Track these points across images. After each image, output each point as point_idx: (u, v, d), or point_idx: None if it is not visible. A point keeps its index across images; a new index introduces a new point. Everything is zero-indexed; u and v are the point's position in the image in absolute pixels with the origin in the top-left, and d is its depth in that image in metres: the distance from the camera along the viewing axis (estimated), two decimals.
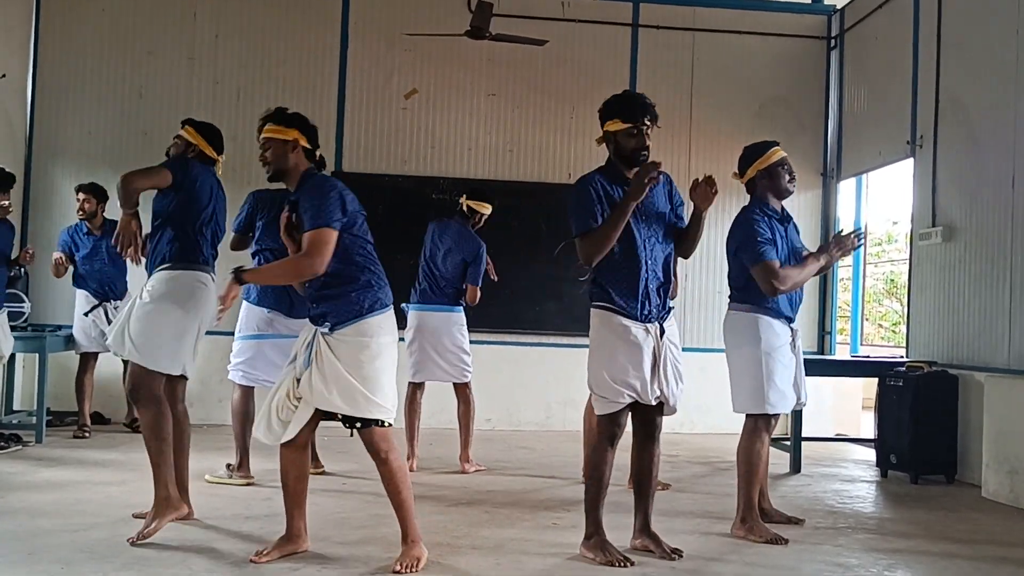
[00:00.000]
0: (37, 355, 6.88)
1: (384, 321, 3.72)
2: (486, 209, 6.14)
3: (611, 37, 8.78)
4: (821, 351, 8.82)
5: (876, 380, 6.82)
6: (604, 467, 4.00)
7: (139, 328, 4.11)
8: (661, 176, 4.03)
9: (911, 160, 7.44)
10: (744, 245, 4.54)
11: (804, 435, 6.69)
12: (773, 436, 6.01)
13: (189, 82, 8.32)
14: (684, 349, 4.30)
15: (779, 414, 4.74)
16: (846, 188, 8.86)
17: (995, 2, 6.50)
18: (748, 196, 4.77)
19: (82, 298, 7.19)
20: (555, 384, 8.29)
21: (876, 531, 4.81)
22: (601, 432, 4.03)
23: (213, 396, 7.81)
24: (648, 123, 4.01)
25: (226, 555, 3.84)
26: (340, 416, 3.69)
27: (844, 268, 9.18)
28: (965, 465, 6.30)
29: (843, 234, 4.72)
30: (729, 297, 4.77)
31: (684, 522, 4.74)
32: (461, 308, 6.13)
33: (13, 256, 6.63)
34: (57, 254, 7.08)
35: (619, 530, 4.13)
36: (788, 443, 6.69)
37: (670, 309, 4.10)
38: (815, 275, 4.79)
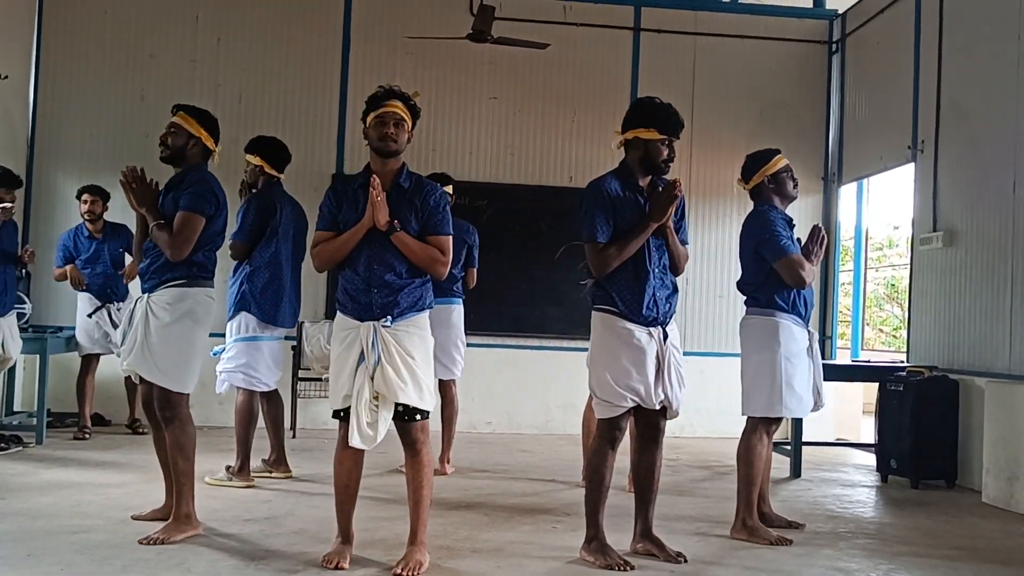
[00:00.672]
0: (38, 356, 6.89)
1: (428, 317, 3.91)
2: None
3: (613, 41, 8.79)
4: (822, 356, 8.80)
5: (877, 385, 6.81)
6: (605, 470, 4.00)
7: (166, 352, 4.10)
8: (661, 184, 4.08)
9: (912, 165, 7.44)
10: (766, 242, 4.56)
11: (805, 440, 6.69)
12: (774, 440, 6.04)
13: (191, 85, 8.33)
14: (685, 353, 4.31)
15: (781, 418, 4.75)
16: (847, 193, 8.86)
17: (996, 7, 6.51)
18: (748, 203, 4.83)
19: (84, 300, 7.20)
20: (555, 387, 8.28)
21: (876, 536, 4.81)
22: (602, 435, 4.02)
23: (213, 398, 7.79)
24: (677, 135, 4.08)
25: (225, 557, 3.84)
26: (399, 408, 3.74)
27: (845, 272, 9.18)
28: (965, 470, 6.30)
29: (819, 235, 4.73)
30: (745, 302, 4.78)
31: (684, 526, 4.74)
32: (460, 300, 6.12)
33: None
34: (64, 268, 7.14)
35: (619, 533, 4.13)
36: (789, 447, 6.69)
37: (672, 313, 4.11)
38: None
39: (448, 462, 6.09)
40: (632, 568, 3.86)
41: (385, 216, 3.71)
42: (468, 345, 6.28)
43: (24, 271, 7.05)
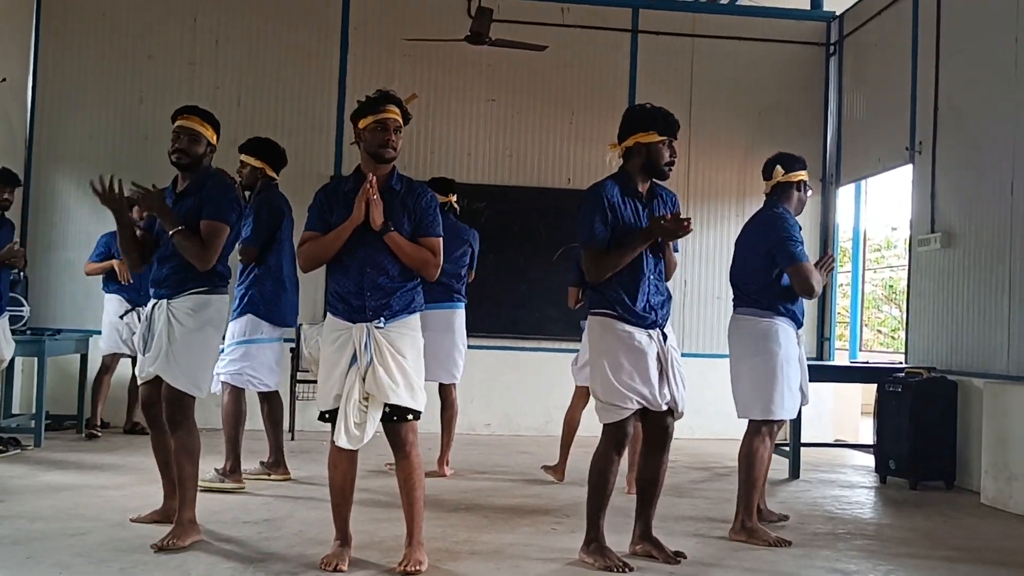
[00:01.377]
0: (36, 359, 6.88)
1: (420, 319, 3.92)
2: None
3: (611, 43, 8.79)
4: (820, 357, 8.82)
5: (875, 386, 6.82)
6: (609, 474, 4.00)
7: (188, 357, 4.10)
8: (661, 190, 4.17)
9: (910, 166, 7.45)
10: (781, 246, 4.55)
11: (803, 441, 6.70)
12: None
13: (190, 87, 8.33)
14: (683, 355, 4.31)
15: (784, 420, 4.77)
16: (845, 194, 8.87)
17: (994, 9, 6.52)
18: (747, 204, 4.82)
19: (115, 302, 7.27)
20: (554, 389, 8.26)
21: (875, 537, 4.81)
22: (607, 440, 4.02)
23: (211, 400, 7.78)
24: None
25: (224, 559, 3.83)
26: (387, 409, 3.74)
27: (843, 274, 9.19)
28: (964, 471, 6.30)
29: (829, 261, 4.81)
30: (737, 300, 4.74)
31: (683, 527, 4.74)
32: (463, 304, 6.13)
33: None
34: (107, 263, 7.20)
35: (619, 535, 4.12)
36: (787, 448, 6.69)
37: (668, 317, 4.12)
38: None
39: (447, 464, 6.09)
40: (631, 570, 3.86)
41: (381, 216, 3.72)
42: (467, 347, 6.28)
43: (22, 274, 7.04)
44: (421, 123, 8.61)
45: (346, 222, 3.74)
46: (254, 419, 5.65)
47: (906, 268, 7.63)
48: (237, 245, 4.99)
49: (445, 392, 6.10)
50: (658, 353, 3.99)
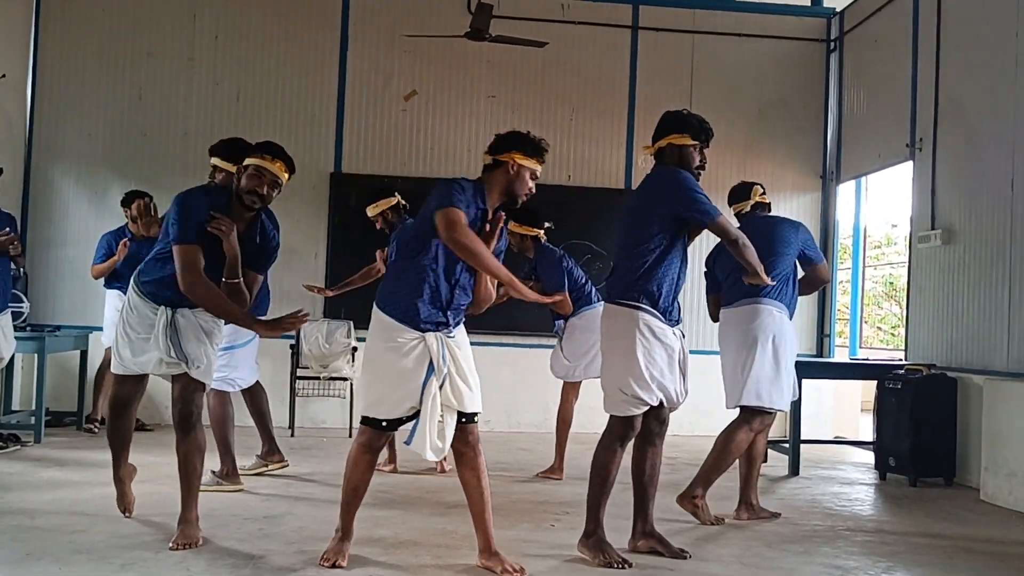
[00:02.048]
0: (36, 355, 6.88)
1: None
2: (387, 204, 5.87)
3: (611, 39, 8.79)
4: (820, 354, 8.83)
5: (875, 383, 6.83)
6: (612, 467, 4.02)
7: (214, 359, 4.15)
8: None
9: (910, 163, 7.44)
10: (813, 244, 4.98)
11: (803, 437, 6.70)
12: (773, 439, 6.07)
13: (189, 83, 8.33)
14: None
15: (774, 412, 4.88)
16: (845, 191, 8.87)
17: (994, 5, 6.51)
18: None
19: (114, 298, 7.23)
20: (554, 386, 8.22)
21: (875, 534, 4.81)
22: (613, 433, 4.03)
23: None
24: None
25: (224, 556, 3.83)
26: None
27: (843, 271, 9.19)
28: (964, 468, 6.30)
29: None
30: (729, 291, 4.88)
31: (682, 523, 4.73)
32: None
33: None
34: (110, 260, 7.15)
35: (618, 532, 4.12)
36: (787, 445, 6.70)
37: None
38: None
39: (446, 460, 6.08)
40: (630, 566, 3.86)
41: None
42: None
43: (22, 271, 7.04)
44: (421, 120, 8.62)
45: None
46: (242, 415, 5.64)
47: (906, 265, 7.63)
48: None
49: None
50: (679, 350, 4.08)
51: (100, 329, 7.42)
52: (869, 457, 7.09)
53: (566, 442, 6.04)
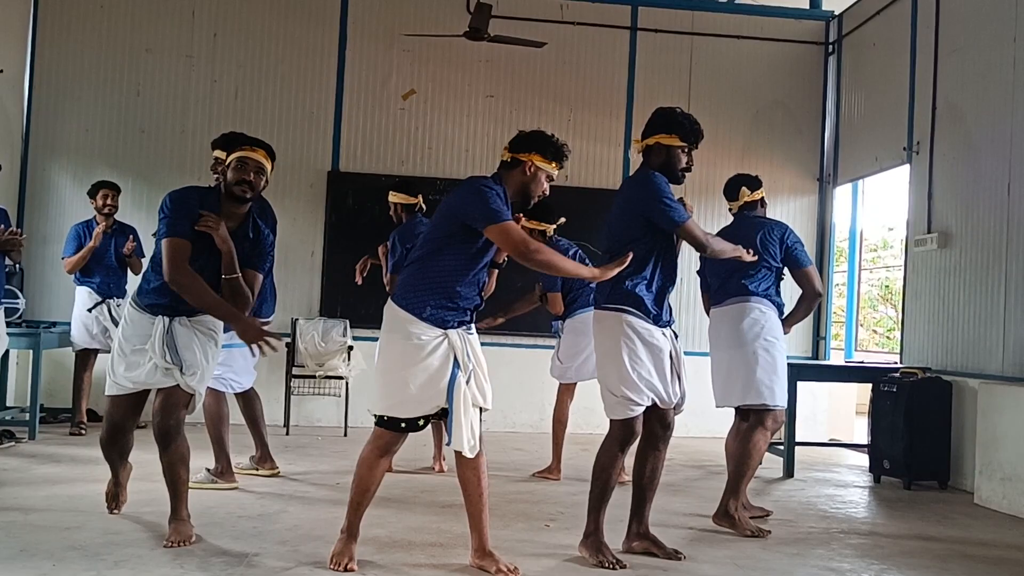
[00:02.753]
0: (31, 351, 6.87)
1: None
2: (407, 200, 5.84)
3: (610, 40, 8.79)
4: (815, 356, 8.84)
5: (870, 386, 6.83)
6: (613, 470, 4.03)
7: (212, 368, 4.14)
8: None
9: (907, 166, 7.45)
10: (800, 248, 4.95)
11: (797, 440, 6.71)
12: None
13: (187, 80, 8.32)
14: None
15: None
16: (842, 194, 8.88)
17: (992, 9, 6.52)
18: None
19: (84, 294, 7.17)
20: (550, 386, 8.21)
21: (869, 536, 4.82)
22: (614, 437, 4.04)
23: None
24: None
25: (218, 554, 3.83)
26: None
27: (839, 273, 9.20)
28: (958, 471, 6.31)
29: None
30: (721, 290, 4.92)
31: (677, 524, 4.75)
32: None
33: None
34: (80, 253, 7.06)
35: (614, 532, 4.13)
36: (782, 448, 6.70)
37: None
38: None
39: (444, 459, 6.09)
40: (624, 567, 3.87)
41: None
42: None
43: (18, 267, 7.02)
44: (419, 119, 8.61)
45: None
46: (237, 415, 5.62)
47: (902, 268, 7.63)
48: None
49: None
50: (671, 351, 4.07)
51: None
52: (864, 460, 7.10)
53: (563, 442, 6.05)
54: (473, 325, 3.80)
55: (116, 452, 4.29)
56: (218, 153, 4.87)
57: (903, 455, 6.30)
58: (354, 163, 8.48)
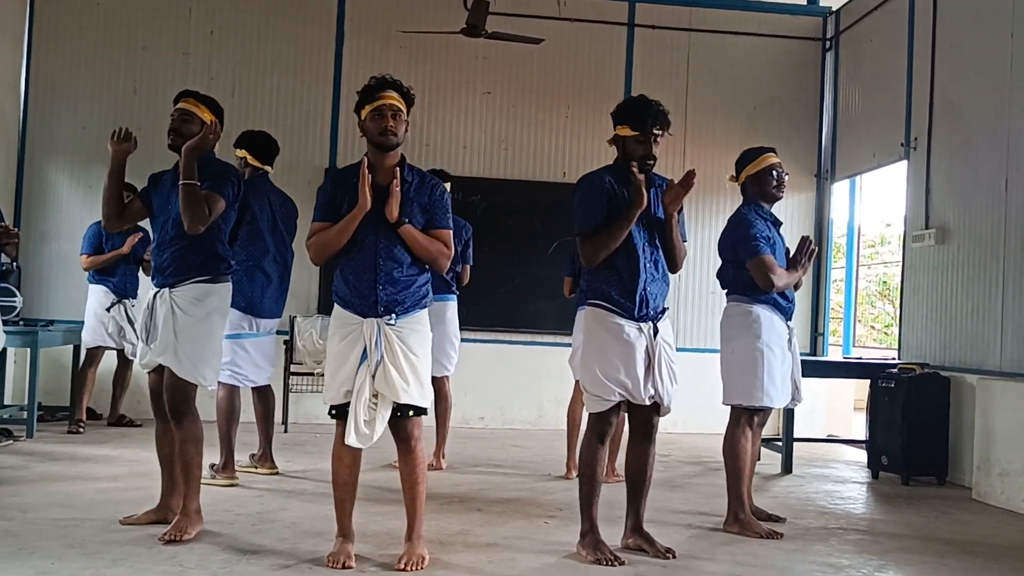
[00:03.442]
0: (29, 350, 6.86)
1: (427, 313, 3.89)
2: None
3: (607, 36, 8.78)
4: (813, 352, 8.84)
5: (868, 382, 6.84)
6: (596, 464, 4.01)
7: (193, 347, 4.06)
8: (659, 180, 4.12)
9: (905, 162, 7.45)
10: (742, 240, 4.61)
11: (796, 436, 6.71)
12: (766, 437, 6.06)
13: (184, 78, 8.27)
14: (677, 349, 4.31)
15: (768, 409, 4.78)
16: (840, 190, 8.88)
17: (990, 5, 6.52)
18: (740, 199, 4.90)
19: (100, 293, 7.19)
20: (548, 383, 8.28)
21: (867, 532, 4.83)
22: (591, 429, 4.04)
23: (204, 394, 7.79)
24: (657, 132, 3.99)
25: (217, 551, 3.83)
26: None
27: (837, 270, 9.20)
28: (956, 467, 6.32)
29: (807, 246, 4.75)
30: (727, 294, 4.84)
31: (676, 521, 4.75)
32: (455, 297, 6.12)
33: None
34: (107, 255, 7.12)
35: (612, 528, 4.13)
36: (780, 443, 6.71)
37: (665, 309, 4.10)
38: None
39: (443, 457, 6.09)
40: (622, 563, 3.86)
41: (397, 209, 3.66)
42: (461, 340, 6.28)
43: (15, 264, 7.01)
44: (416, 116, 8.52)
45: (352, 212, 3.65)
46: (247, 412, 5.63)
47: (900, 264, 7.64)
48: None
49: (438, 385, 6.08)
50: (647, 347, 3.97)
51: None
52: (862, 456, 7.11)
53: (575, 443, 5.98)
54: (403, 316, 3.69)
55: (162, 419, 4.20)
56: (241, 152, 5.50)
57: (901, 451, 6.30)
58: (352, 160, 8.37)
